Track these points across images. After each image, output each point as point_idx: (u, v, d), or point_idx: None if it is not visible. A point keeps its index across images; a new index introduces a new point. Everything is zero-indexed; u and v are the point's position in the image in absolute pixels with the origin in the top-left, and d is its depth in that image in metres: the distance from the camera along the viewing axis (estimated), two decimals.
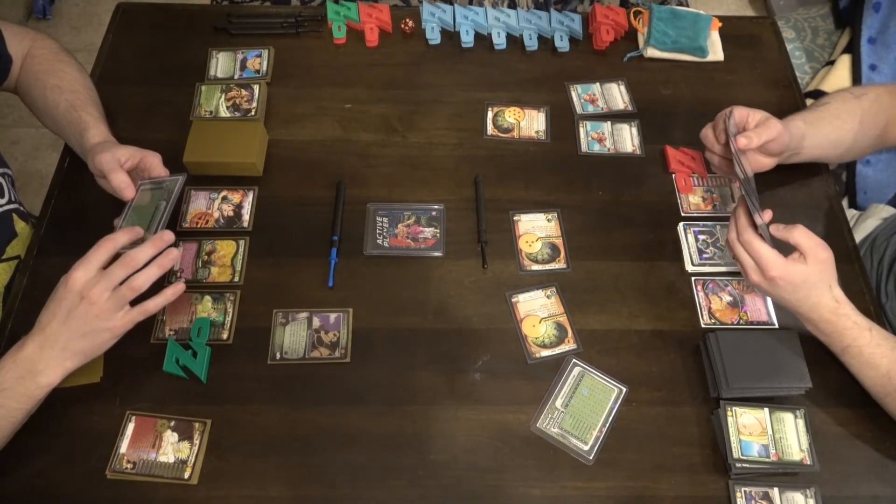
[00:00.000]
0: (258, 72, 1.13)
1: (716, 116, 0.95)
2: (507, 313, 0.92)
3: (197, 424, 0.82)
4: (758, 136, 0.88)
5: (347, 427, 0.84)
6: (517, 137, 1.09)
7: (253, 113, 1.07)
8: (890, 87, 1.03)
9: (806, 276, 0.81)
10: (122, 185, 0.88)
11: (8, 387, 0.75)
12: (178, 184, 0.89)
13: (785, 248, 0.82)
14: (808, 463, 0.81)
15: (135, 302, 0.79)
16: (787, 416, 0.83)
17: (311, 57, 1.17)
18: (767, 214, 0.83)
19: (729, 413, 0.83)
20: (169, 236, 0.82)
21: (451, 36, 1.21)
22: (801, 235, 0.81)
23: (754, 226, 0.83)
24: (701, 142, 0.98)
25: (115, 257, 0.80)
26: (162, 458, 0.80)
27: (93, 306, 0.76)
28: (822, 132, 0.97)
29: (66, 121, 0.96)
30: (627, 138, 1.10)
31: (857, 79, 1.44)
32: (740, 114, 0.92)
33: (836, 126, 0.97)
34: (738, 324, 0.92)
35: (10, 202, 0.97)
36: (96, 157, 0.89)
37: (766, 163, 0.95)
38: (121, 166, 0.89)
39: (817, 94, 1.44)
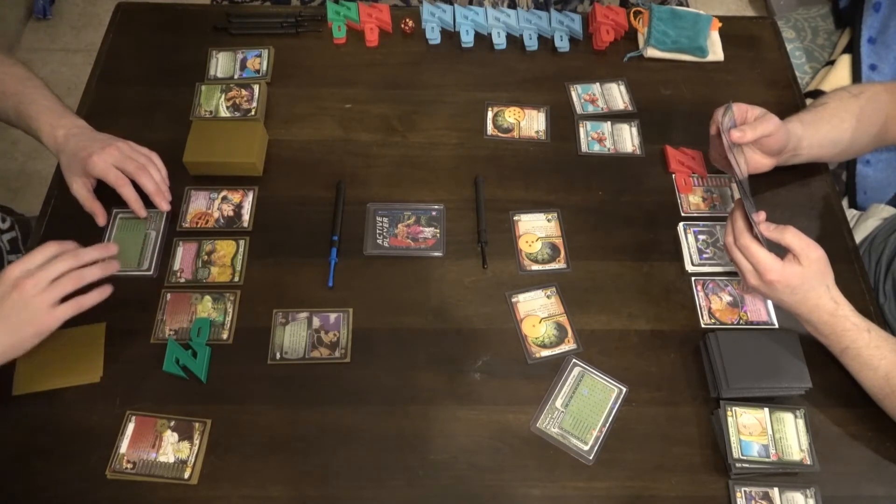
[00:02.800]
0: (258, 72, 1.13)
1: (714, 111, 0.95)
2: (507, 313, 0.92)
3: (197, 424, 0.82)
4: (752, 129, 0.87)
5: (347, 427, 0.84)
6: (517, 137, 1.09)
7: (253, 113, 1.07)
8: (888, 84, 1.03)
9: (803, 277, 0.81)
10: (94, 213, 0.95)
11: None
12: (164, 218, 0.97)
13: (778, 251, 0.83)
14: (808, 463, 0.81)
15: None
16: (787, 416, 0.83)
17: (311, 57, 1.17)
18: (760, 216, 0.83)
19: (729, 413, 0.83)
20: (114, 248, 0.85)
21: (451, 36, 1.21)
22: (792, 237, 0.82)
23: (751, 229, 0.83)
24: (707, 136, 0.97)
25: None
26: (162, 458, 0.80)
27: (23, 296, 0.74)
28: (821, 132, 0.97)
29: (23, 126, 0.97)
30: (627, 138, 1.10)
31: (857, 79, 1.43)
32: (739, 109, 0.91)
33: (833, 126, 0.97)
34: (738, 324, 0.92)
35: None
36: (70, 187, 0.95)
37: (765, 163, 0.95)
38: (89, 192, 0.95)
39: (817, 94, 1.44)
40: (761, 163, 0.95)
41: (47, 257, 0.78)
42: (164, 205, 0.95)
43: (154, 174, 0.95)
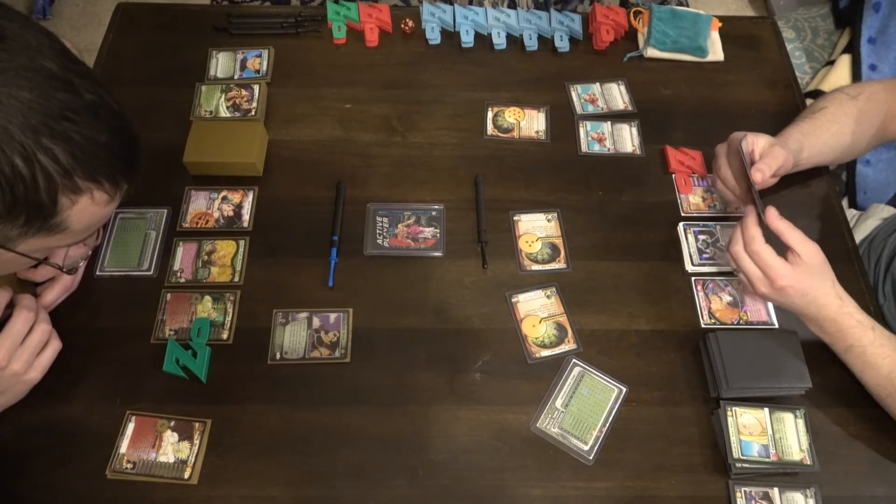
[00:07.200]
0: (258, 72, 1.13)
1: (717, 147, 0.94)
2: (507, 313, 0.92)
3: (197, 424, 0.82)
4: (769, 167, 0.87)
5: (347, 427, 0.84)
6: (517, 137, 1.09)
7: (253, 113, 1.07)
8: (886, 82, 1.03)
9: (812, 277, 0.81)
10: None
11: None
12: (165, 216, 0.96)
13: (777, 251, 0.82)
14: (808, 463, 0.81)
15: None
16: (787, 416, 0.83)
17: (311, 57, 1.17)
18: (770, 212, 0.83)
19: (729, 413, 0.83)
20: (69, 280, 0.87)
21: (451, 36, 1.21)
22: (793, 233, 0.82)
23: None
24: (714, 164, 0.96)
25: None
26: (162, 458, 0.80)
27: (3, 371, 0.77)
28: (821, 140, 0.96)
29: None
30: (627, 138, 1.10)
31: (856, 79, 1.44)
32: (747, 142, 0.89)
33: (833, 133, 0.97)
34: (738, 324, 0.92)
35: None
36: None
37: (769, 181, 0.95)
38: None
39: (817, 94, 1.44)
40: (765, 182, 0.94)
41: (28, 327, 0.78)
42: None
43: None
